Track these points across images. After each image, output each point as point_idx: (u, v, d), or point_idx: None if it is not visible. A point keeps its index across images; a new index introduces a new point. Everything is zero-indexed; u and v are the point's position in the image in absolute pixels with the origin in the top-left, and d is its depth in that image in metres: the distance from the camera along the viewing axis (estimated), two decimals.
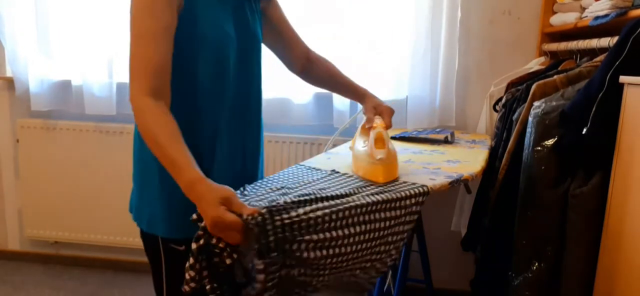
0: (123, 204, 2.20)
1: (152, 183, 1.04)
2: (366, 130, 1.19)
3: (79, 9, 2.19)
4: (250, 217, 0.79)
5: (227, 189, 0.83)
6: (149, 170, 1.04)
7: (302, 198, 0.90)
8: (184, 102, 1.00)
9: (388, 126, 1.14)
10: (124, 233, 2.43)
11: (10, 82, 2.36)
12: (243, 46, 1.08)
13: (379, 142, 1.08)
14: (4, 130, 2.47)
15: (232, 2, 1.06)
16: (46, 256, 2.58)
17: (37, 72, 2.27)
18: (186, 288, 0.82)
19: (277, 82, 2.12)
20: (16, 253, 2.61)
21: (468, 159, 1.42)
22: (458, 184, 1.16)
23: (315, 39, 2.11)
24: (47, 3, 2.23)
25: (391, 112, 1.20)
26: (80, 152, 2.38)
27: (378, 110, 1.20)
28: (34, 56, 2.26)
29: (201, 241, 0.82)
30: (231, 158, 1.10)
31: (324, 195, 0.93)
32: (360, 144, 1.18)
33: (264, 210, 0.81)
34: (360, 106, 1.27)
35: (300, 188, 1.00)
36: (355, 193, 0.97)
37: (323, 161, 1.32)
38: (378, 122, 1.12)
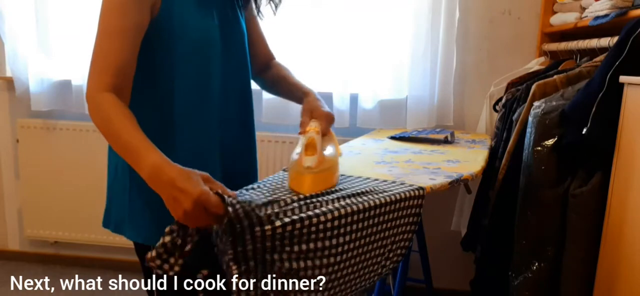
0: None
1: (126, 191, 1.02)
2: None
3: (79, 9, 2.19)
4: (231, 201, 0.75)
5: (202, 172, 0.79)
6: (125, 179, 1.02)
7: (286, 206, 0.84)
8: (158, 101, 0.97)
9: (324, 133, 1.00)
10: None
11: (10, 82, 2.36)
12: (227, 44, 1.05)
13: (310, 148, 0.94)
14: (4, 130, 2.47)
15: (216, 1, 1.03)
16: (46, 256, 2.58)
17: (37, 72, 2.27)
18: (152, 253, 0.78)
19: None
20: (16, 253, 2.61)
21: (468, 159, 1.42)
22: (458, 184, 1.16)
23: (314, 38, 2.11)
24: (47, 2, 2.23)
25: (329, 118, 1.04)
26: (80, 152, 2.38)
27: (314, 114, 1.05)
28: (34, 56, 2.25)
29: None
30: (207, 154, 1.05)
31: (310, 201, 0.88)
32: (296, 151, 1.02)
33: (244, 204, 0.77)
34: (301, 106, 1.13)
35: (288, 194, 0.92)
36: (344, 199, 0.90)
37: None
38: (313, 125, 0.99)
